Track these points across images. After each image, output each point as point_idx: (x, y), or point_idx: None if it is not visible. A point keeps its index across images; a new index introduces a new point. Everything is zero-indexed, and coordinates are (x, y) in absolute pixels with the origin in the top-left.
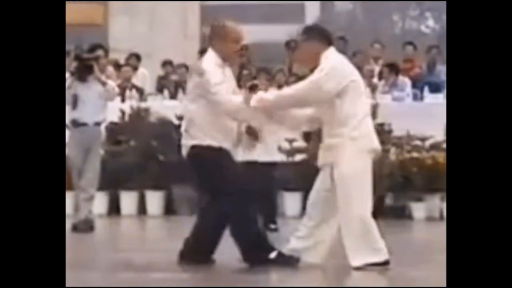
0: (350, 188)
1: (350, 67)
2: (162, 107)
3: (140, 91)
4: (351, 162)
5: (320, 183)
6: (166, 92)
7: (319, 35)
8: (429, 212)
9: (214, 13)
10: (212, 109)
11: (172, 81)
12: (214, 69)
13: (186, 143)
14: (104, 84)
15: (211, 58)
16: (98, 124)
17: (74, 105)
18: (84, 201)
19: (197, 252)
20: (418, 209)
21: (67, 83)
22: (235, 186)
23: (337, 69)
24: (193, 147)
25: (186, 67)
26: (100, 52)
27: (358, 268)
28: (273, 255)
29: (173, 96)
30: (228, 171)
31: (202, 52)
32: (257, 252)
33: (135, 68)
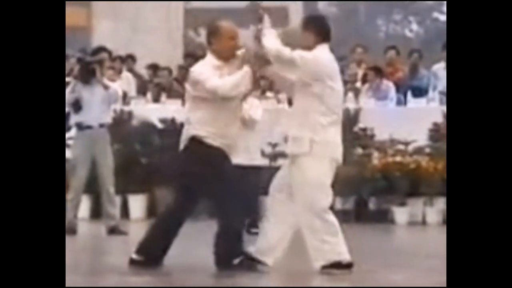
0: (312, 189)
1: (330, 71)
2: (145, 110)
3: (123, 94)
4: (309, 165)
5: (282, 172)
6: (149, 96)
7: (319, 27)
8: (412, 216)
9: (198, 17)
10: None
11: (155, 84)
12: (202, 68)
13: (187, 133)
14: (106, 87)
15: (206, 60)
16: (102, 126)
17: (78, 108)
18: (108, 203)
19: (148, 251)
20: (401, 214)
21: (70, 87)
22: (227, 190)
23: (322, 63)
24: (193, 139)
25: (169, 70)
26: (104, 55)
27: (322, 269)
28: (236, 260)
29: (156, 100)
30: (221, 173)
31: (188, 56)
32: (232, 256)
33: (119, 72)
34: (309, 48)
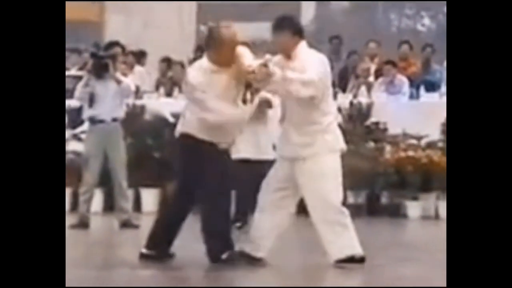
0: (327, 183)
1: (327, 66)
2: (157, 104)
3: (136, 88)
4: (325, 159)
5: (274, 174)
6: (162, 90)
7: (295, 27)
8: (424, 211)
9: (211, 11)
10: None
11: (168, 78)
12: (198, 75)
13: (179, 129)
14: (119, 82)
15: (201, 63)
16: (115, 120)
17: (91, 102)
18: (121, 197)
19: (155, 246)
20: (414, 208)
21: (83, 81)
22: (216, 181)
23: (324, 70)
24: (184, 135)
25: (182, 65)
26: (117, 50)
27: (336, 263)
28: (225, 255)
29: (168, 94)
30: (213, 164)
31: (198, 49)
32: (222, 250)
33: (131, 66)
34: (288, 48)
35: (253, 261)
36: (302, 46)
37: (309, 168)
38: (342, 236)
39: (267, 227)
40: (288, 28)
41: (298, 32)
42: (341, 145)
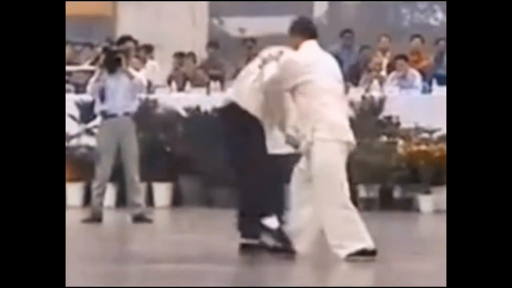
0: (321, 180)
1: (316, 63)
2: (169, 99)
3: (148, 83)
4: (317, 151)
5: (300, 167)
6: (174, 84)
7: (302, 28)
8: (436, 205)
9: (222, 3)
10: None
11: (180, 73)
12: None
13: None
14: (131, 77)
15: None
16: (127, 114)
17: (103, 97)
18: (133, 191)
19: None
20: (426, 202)
21: (95, 76)
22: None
23: (296, 63)
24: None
25: (193, 59)
26: (129, 44)
27: (347, 257)
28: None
29: (180, 88)
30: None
31: (210, 45)
32: (252, 227)
33: (144, 60)
34: (296, 48)
35: (287, 254)
36: (306, 44)
37: (308, 161)
38: (350, 230)
39: (305, 220)
40: (297, 30)
41: (306, 33)
42: (339, 136)
